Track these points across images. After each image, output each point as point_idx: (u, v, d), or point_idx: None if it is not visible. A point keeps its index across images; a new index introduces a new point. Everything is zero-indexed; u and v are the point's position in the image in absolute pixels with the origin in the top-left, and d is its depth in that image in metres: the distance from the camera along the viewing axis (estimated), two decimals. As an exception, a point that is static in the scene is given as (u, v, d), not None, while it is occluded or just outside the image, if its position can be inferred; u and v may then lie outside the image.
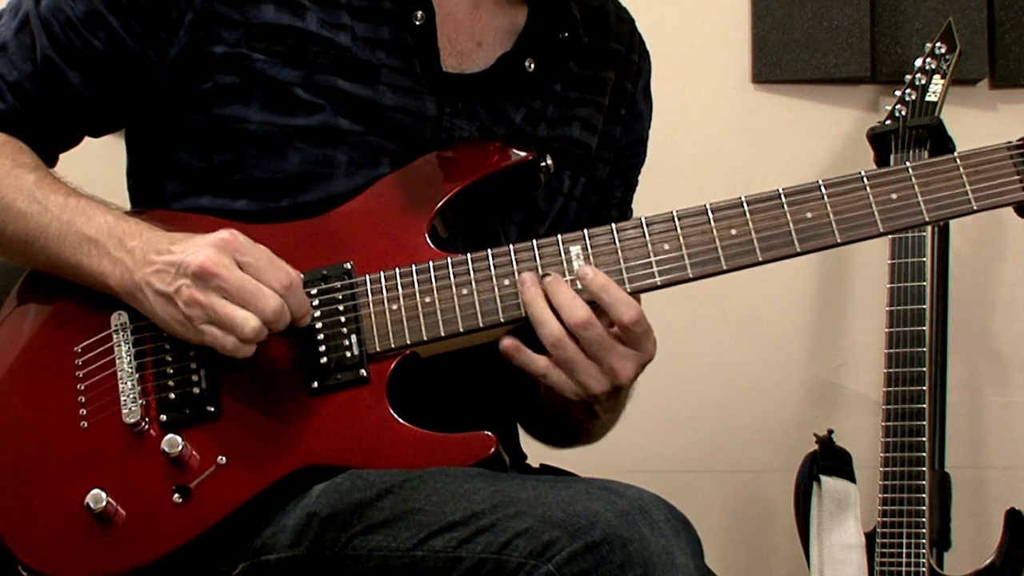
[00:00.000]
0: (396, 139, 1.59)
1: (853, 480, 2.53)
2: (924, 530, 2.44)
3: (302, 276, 1.50)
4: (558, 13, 1.68)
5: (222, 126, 1.57)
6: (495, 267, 1.49)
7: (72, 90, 1.59)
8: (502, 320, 1.49)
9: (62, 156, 1.67)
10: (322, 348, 1.49)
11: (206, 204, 1.59)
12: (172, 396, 1.49)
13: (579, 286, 1.46)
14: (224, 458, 1.47)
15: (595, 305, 1.45)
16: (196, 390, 1.49)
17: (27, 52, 1.59)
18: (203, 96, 1.57)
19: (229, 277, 1.41)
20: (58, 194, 1.52)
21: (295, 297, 1.44)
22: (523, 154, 1.58)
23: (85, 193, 1.55)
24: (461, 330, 1.49)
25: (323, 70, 1.56)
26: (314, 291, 1.51)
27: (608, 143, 1.76)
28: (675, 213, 1.49)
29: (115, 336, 1.52)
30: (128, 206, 1.68)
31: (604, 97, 1.74)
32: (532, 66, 1.67)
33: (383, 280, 1.51)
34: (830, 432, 2.58)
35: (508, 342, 1.47)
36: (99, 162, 1.71)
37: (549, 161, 1.60)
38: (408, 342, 1.49)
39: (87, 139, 1.67)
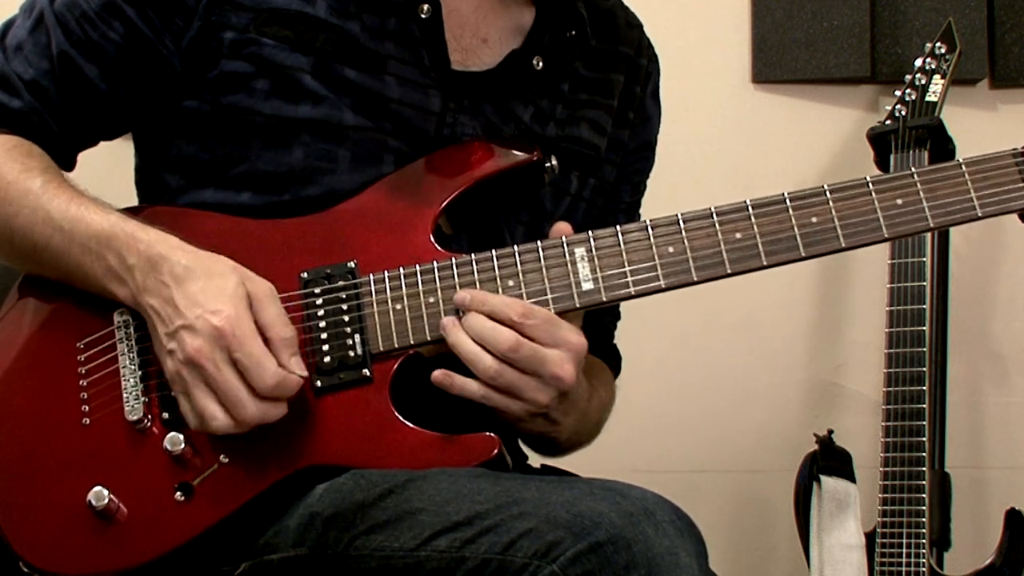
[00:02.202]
0: (400, 135, 1.59)
1: (853, 480, 2.53)
2: (924, 530, 2.44)
3: (305, 274, 1.51)
4: (565, 12, 1.68)
5: (227, 117, 1.57)
6: (499, 268, 1.50)
7: (90, 84, 1.59)
8: (505, 321, 1.49)
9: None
10: (325, 347, 1.49)
11: (208, 198, 1.59)
12: (174, 393, 1.49)
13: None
14: (226, 456, 1.47)
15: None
16: (198, 389, 1.49)
17: (43, 49, 1.58)
18: (210, 84, 1.57)
19: (216, 376, 1.40)
20: (61, 199, 1.52)
21: (284, 391, 1.42)
22: (528, 154, 1.58)
23: (88, 196, 1.54)
24: (464, 331, 1.49)
25: (331, 57, 1.57)
26: (318, 290, 1.51)
27: (616, 146, 1.76)
28: (680, 216, 1.49)
29: (117, 333, 1.52)
30: (135, 201, 1.68)
31: (613, 100, 1.75)
32: (540, 64, 1.67)
33: (387, 280, 1.51)
34: (830, 432, 2.58)
35: (437, 374, 1.47)
36: (104, 158, 1.71)
37: (554, 162, 1.60)
38: (411, 342, 1.49)
39: (94, 135, 1.67)
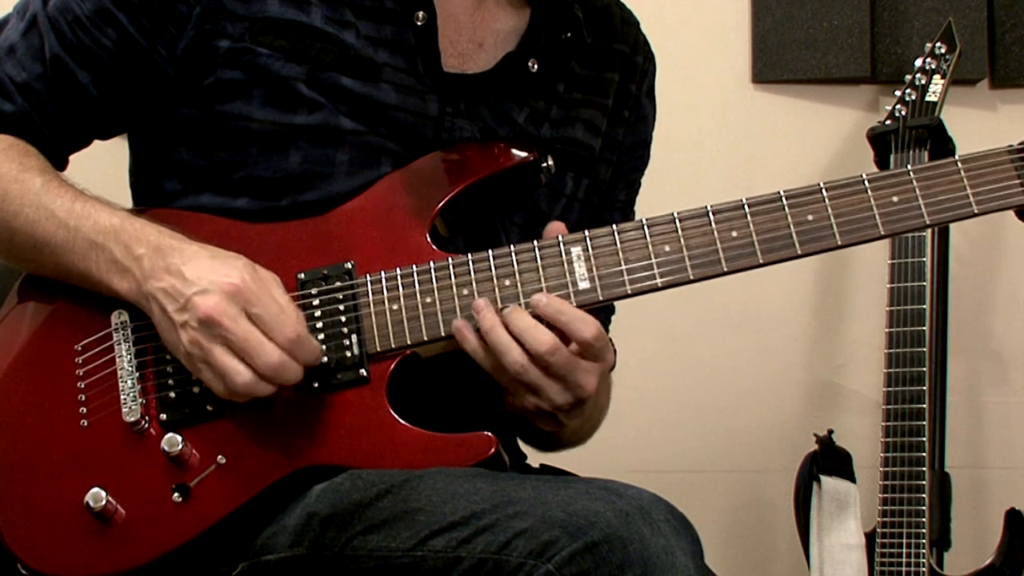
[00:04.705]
0: (397, 139, 1.59)
1: (853, 480, 2.53)
2: (924, 530, 2.44)
3: (302, 275, 1.51)
4: (561, 14, 1.68)
5: (224, 123, 1.57)
6: (496, 267, 1.49)
7: (82, 89, 1.58)
8: (502, 320, 1.49)
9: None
10: (323, 348, 1.49)
11: (206, 202, 1.59)
12: (172, 395, 1.49)
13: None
14: (224, 457, 1.47)
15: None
16: (196, 389, 1.49)
17: (36, 53, 1.58)
18: (205, 92, 1.57)
19: (234, 329, 1.40)
20: (64, 198, 1.52)
21: (303, 349, 1.42)
22: (524, 154, 1.58)
23: (91, 195, 1.54)
24: (462, 330, 1.49)
25: (326, 67, 1.56)
26: (315, 291, 1.51)
27: (611, 145, 1.76)
28: (676, 215, 1.49)
29: (115, 335, 1.52)
30: (130, 204, 1.68)
31: (608, 99, 1.74)
32: (535, 67, 1.67)
33: (383, 280, 1.51)
34: (830, 432, 2.58)
35: (458, 323, 1.47)
36: (100, 161, 1.71)
37: (550, 161, 1.60)
38: (408, 342, 1.49)
39: (89, 137, 1.67)
